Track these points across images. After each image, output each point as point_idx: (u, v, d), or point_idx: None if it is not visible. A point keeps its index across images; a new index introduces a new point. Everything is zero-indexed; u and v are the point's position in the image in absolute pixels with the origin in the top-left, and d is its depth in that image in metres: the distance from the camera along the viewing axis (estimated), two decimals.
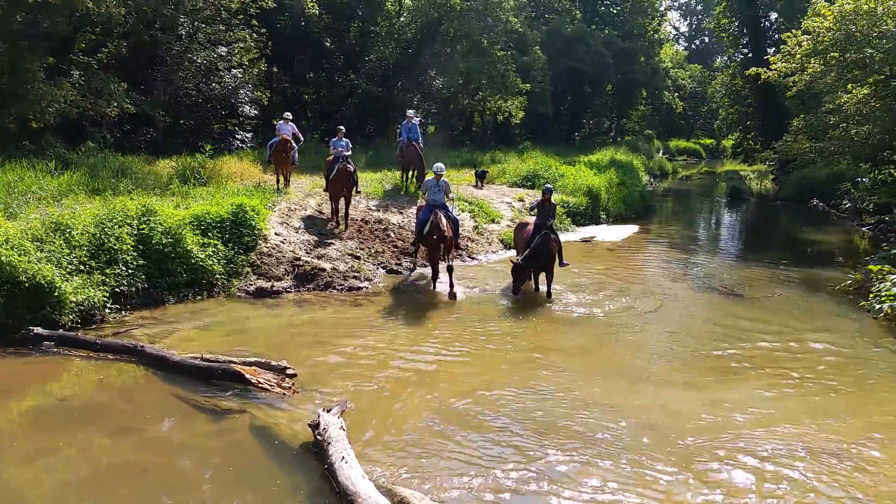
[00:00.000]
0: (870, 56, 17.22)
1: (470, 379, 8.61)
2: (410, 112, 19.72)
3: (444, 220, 12.45)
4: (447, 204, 13.22)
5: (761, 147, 37.48)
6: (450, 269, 12.43)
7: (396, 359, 9.16)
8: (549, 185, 13.34)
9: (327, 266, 13.15)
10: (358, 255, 14.14)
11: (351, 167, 14.66)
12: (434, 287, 12.65)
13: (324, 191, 15.70)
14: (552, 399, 7.98)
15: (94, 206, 12.00)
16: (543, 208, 12.72)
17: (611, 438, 7.01)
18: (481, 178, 22.03)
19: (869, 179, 22.25)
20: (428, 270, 13.24)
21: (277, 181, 17.02)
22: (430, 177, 13.56)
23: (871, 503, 5.98)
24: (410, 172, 18.88)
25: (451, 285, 12.29)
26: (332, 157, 15.29)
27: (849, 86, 19.62)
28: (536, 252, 12.19)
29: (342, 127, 16.43)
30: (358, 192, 15.77)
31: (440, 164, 13.44)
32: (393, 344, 9.75)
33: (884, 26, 17.04)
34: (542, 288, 12.59)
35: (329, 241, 14.42)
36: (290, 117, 17.46)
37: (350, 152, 15.64)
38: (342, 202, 14.96)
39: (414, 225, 14.60)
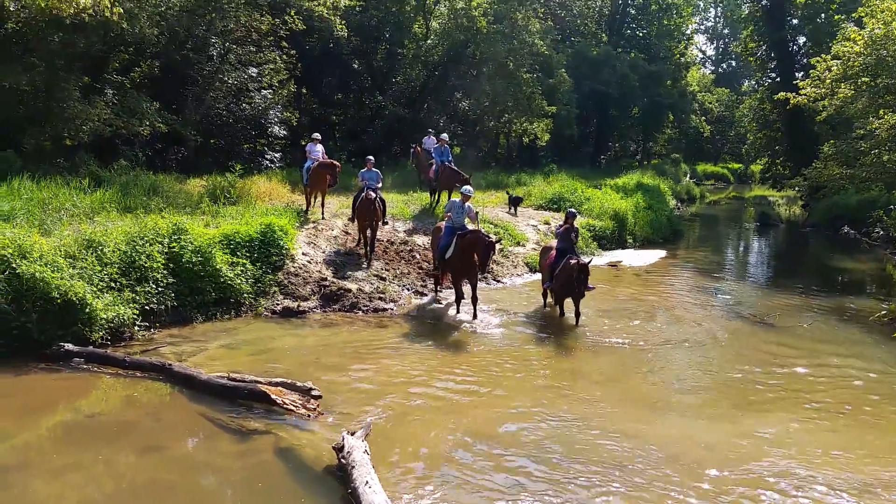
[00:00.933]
0: None
1: (496, 405, 8.54)
2: (444, 135, 19.75)
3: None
4: (469, 227, 13.11)
5: (790, 172, 36.94)
6: (474, 292, 12.39)
7: (421, 382, 9.13)
8: (572, 209, 13.31)
9: (353, 287, 13.19)
10: (384, 276, 14.14)
11: (373, 195, 14.32)
12: (458, 310, 12.60)
13: (349, 220, 15.60)
14: (578, 428, 7.88)
15: (125, 223, 12.15)
16: (567, 232, 12.67)
17: (638, 469, 6.90)
18: (516, 204, 21.27)
19: None
20: (451, 293, 13.18)
21: (308, 202, 17.04)
22: (455, 197, 13.53)
23: None
24: (443, 193, 18.67)
25: (475, 306, 12.34)
26: (359, 189, 15.15)
27: (881, 111, 19.35)
28: (565, 280, 12.08)
29: (371, 157, 15.83)
30: (385, 223, 15.35)
31: (469, 187, 13.39)
32: (418, 367, 9.72)
33: None
34: (569, 313, 12.48)
35: (355, 262, 14.45)
36: (319, 138, 17.62)
37: (381, 184, 15.16)
38: (368, 231, 14.64)
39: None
